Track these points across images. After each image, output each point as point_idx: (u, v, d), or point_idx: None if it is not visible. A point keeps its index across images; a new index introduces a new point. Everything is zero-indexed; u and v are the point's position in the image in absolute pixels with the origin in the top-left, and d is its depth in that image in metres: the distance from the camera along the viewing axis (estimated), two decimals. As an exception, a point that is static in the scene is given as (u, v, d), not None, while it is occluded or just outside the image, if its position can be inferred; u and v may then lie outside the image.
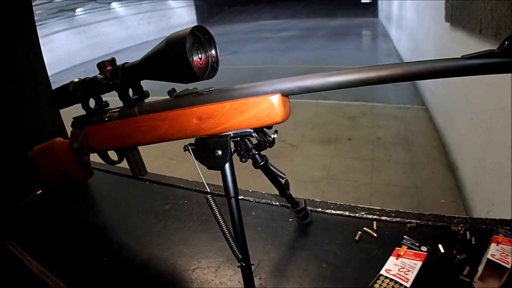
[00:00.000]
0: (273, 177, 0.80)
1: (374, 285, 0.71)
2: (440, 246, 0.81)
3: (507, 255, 0.74)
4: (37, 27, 1.22)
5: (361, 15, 12.86)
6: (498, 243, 0.77)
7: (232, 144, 0.65)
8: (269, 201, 1.04)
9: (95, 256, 0.91)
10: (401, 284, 0.70)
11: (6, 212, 1.10)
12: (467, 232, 0.84)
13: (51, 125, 1.27)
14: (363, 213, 0.95)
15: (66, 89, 0.75)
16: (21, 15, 1.17)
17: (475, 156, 2.46)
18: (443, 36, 3.05)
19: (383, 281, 0.72)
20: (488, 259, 0.73)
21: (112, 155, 0.89)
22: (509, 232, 0.79)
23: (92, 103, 0.80)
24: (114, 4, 13.62)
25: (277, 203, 1.02)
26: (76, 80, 0.75)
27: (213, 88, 0.63)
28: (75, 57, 10.67)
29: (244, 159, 0.68)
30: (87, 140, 0.79)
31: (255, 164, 0.71)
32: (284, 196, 0.86)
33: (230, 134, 0.63)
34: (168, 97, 0.67)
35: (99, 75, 0.71)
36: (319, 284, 0.76)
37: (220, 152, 0.63)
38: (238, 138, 0.66)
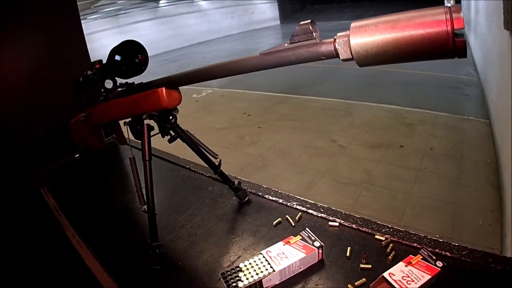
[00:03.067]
0: (201, 153, 1.03)
1: (249, 259, 0.78)
2: (348, 249, 0.80)
3: (413, 280, 0.67)
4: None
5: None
6: (409, 263, 0.71)
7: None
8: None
9: (88, 205, 1.27)
10: (271, 266, 0.76)
11: (49, 169, 1.51)
12: (391, 245, 0.80)
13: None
14: (295, 203, 1.03)
15: (79, 81, 0.98)
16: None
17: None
18: (506, 45, 2.80)
19: (259, 259, 0.78)
20: (383, 277, 0.69)
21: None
22: (433, 258, 0.72)
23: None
24: (197, -3, 14.19)
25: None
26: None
27: (140, 82, 0.88)
28: (158, 46, 11.35)
29: (163, 136, 0.95)
30: (90, 116, 1.04)
31: (170, 141, 0.96)
32: (216, 173, 1.08)
33: (144, 115, 0.89)
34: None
35: (89, 72, 0.94)
36: (222, 249, 0.91)
37: (139, 127, 0.91)
38: (150, 118, 0.91)
